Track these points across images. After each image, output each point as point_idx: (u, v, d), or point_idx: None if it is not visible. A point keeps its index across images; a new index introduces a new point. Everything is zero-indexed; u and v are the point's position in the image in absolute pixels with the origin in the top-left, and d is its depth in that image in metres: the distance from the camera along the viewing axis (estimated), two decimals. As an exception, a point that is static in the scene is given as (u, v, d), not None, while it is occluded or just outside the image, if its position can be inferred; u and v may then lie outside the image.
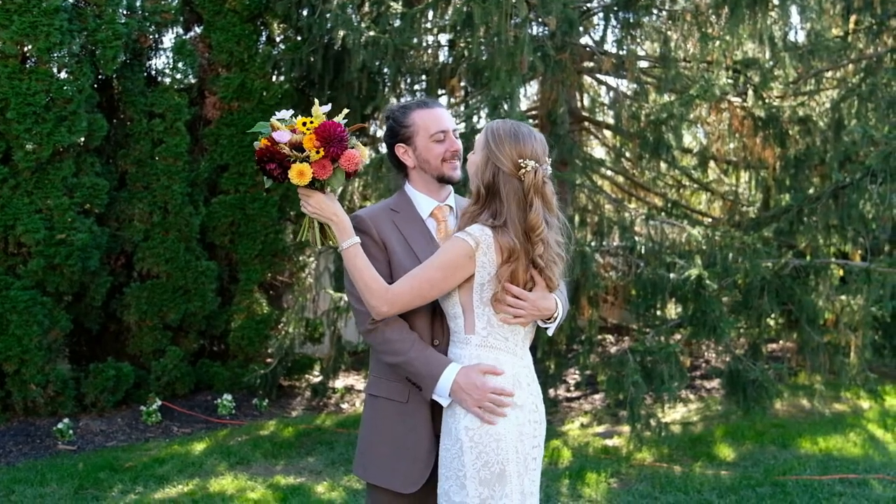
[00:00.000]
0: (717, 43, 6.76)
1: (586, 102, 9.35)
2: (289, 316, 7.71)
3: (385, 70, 7.17)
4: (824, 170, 7.22)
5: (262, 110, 7.35)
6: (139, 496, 4.80)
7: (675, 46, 7.11)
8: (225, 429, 6.44)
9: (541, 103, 7.89)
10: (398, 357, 2.34)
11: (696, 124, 8.34)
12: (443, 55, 7.72)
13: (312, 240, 2.43)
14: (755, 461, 5.48)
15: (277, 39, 8.08)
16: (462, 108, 7.62)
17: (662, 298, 6.51)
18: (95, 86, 6.71)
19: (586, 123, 8.81)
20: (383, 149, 2.70)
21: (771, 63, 7.12)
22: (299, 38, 7.59)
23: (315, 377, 7.81)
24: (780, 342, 8.90)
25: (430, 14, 7.28)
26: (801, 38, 7.93)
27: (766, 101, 7.19)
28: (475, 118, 6.90)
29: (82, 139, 6.36)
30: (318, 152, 2.25)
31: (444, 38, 7.78)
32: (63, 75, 6.18)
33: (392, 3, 7.00)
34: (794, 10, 7.22)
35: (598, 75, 8.38)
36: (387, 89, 7.45)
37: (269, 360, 7.70)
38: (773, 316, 6.87)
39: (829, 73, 8.03)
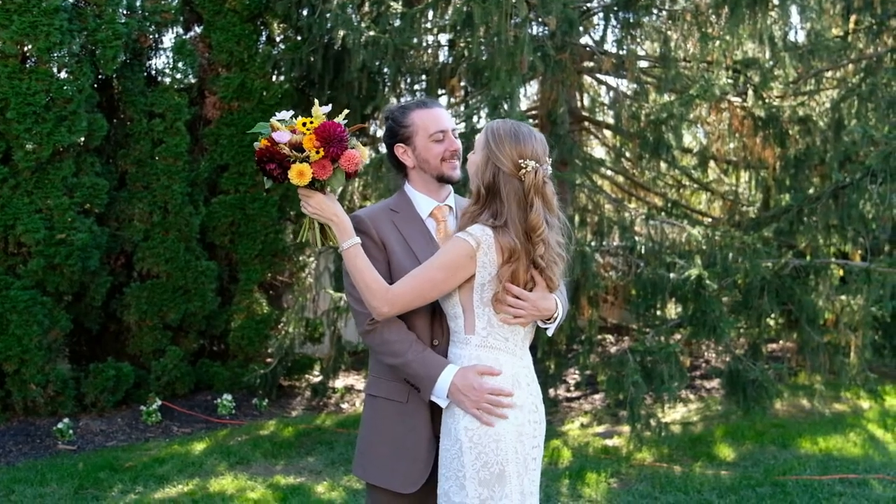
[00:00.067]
0: (717, 43, 6.76)
1: (586, 102, 9.35)
2: (289, 316, 7.71)
3: (385, 70, 7.17)
4: (824, 170, 7.22)
5: (262, 110, 7.35)
6: (139, 496, 4.80)
7: (675, 46, 7.10)
8: (225, 429, 6.44)
9: (541, 103, 7.89)
10: (396, 358, 2.34)
11: (696, 124, 8.34)
12: (443, 55, 7.72)
13: (313, 240, 2.43)
14: (755, 461, 5.48)
15: (277, 39, 8.08)
16: (462, 108, 7.62)
17: (662, 298, 6.51)
18: (95, 86, 6.71)
19: (586, 123, 8.81)
20: (383, 149, 2.69)
21: (771, 63, 7.12)
22: (299, 38, 7.59)
23: (315, 377, 7.81)
24: (780, 342, 8.90)
25: (430, 14, 7.28)
26: (801, 37, 7.93)
27: (766, 100, 7.19)
28: (475, 118, 6.90)
29: (82, 139, 6.36)
30: (318, 152, 2.25)
31: (444, 38, 7.79)
32: (63, 75, 6.18)
33: (392, 3, 7.00)
34: (794, 9, 7.22)
35: (598, 75, 8.38)
36: (387, 89, 7.45)
37: (269, 359, 7.70)
38: (773, 316, 6.87)
39: (829, 73, 8.03)
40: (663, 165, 8.59)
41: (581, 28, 7.17)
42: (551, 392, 7.08)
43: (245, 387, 7.25)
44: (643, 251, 6.67)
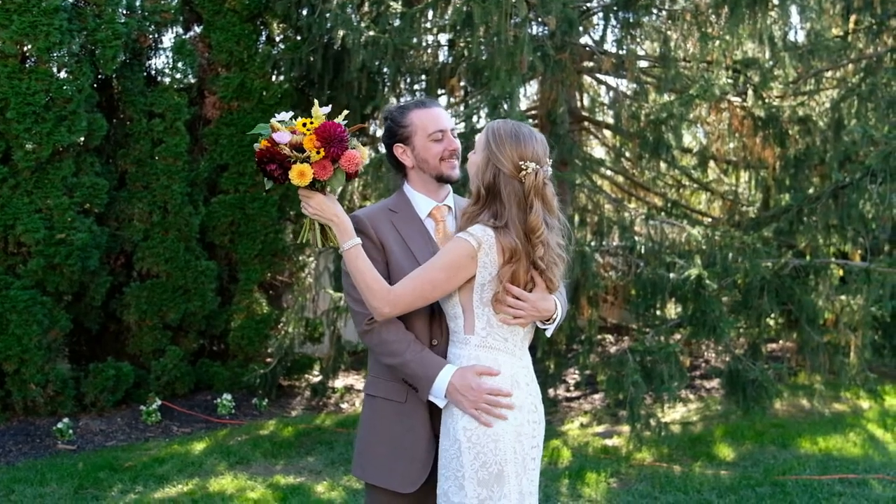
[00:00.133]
0: (717, 43, 6.76)
1: (586, 102, 9.36)
2: (288, 316, 7.71)
3: (385, 70, 7.17)
4: (824, 170, 7.22)
5: (261, 110, 7.35)
6: (139, 496, 4.80)
7: (675, 46, 7.10)
8: (225, 428, 6.44)
9: (541, 103, 7.89)
10: (394, 358, 2.34)
11: (696, 124, 8.34)
12: (442, 55, 7.72)
13: (313, 241, 2.43)
14: (755, 461, 5.48)
15: (277, 39, 8.08)
16: (462, 108, 7.63)
17: (662, 298, 6.51)
18: (95, 85, 6.71)
19: (586, 123, 8.81)
20: (383, 149, 2.70)
21: (771, 63, 7.12)
22: (299, 38, 7.59)
23: (315, 377, 7.81)
24: (780, 342, 8.90)
25: (430, 14, 7.28)
26: (800, 37, 7.93)
27: (766, 100, 7.19)
28: (475, 118, 6.90)
29: (82, 139, 6.36)
30: (318, 153, 2.25)
31: (443, 38, 7.79)
32: (63, 75, 6.18)
33: (392, 3, 7.00)
34: (794, 9, 7.22)
35: (597, 75, 8.38)
36: (386, 89, 7.45)
37: (268, 359, 7.70)
38: (772, 316, 6.87)
39: (829, 73, 8.03)
40: (663, 165, 8.59)
41: (581, 28, 7.17)
42: (551, 392, 7.08)
43: (245, 387, 7.25)
44: (643, 251, 6.67)
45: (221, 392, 7.08)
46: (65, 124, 6.08)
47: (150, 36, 7.20)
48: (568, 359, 7.13)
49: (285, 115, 2.34)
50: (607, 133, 9.19)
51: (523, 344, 2.39)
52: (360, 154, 2.34)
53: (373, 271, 2.30)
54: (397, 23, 6.91)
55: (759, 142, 7.37)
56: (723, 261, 6.19)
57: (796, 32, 8.54)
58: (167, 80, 7.24)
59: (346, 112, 2.49)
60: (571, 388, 7.77)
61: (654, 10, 7.11)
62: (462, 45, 7.09)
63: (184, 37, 7.42)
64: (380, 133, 7.94)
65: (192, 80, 7.40)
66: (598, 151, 10.05)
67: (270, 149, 2.26)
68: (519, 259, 2.26)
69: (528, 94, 9.52)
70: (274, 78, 7.76)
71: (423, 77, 7.54)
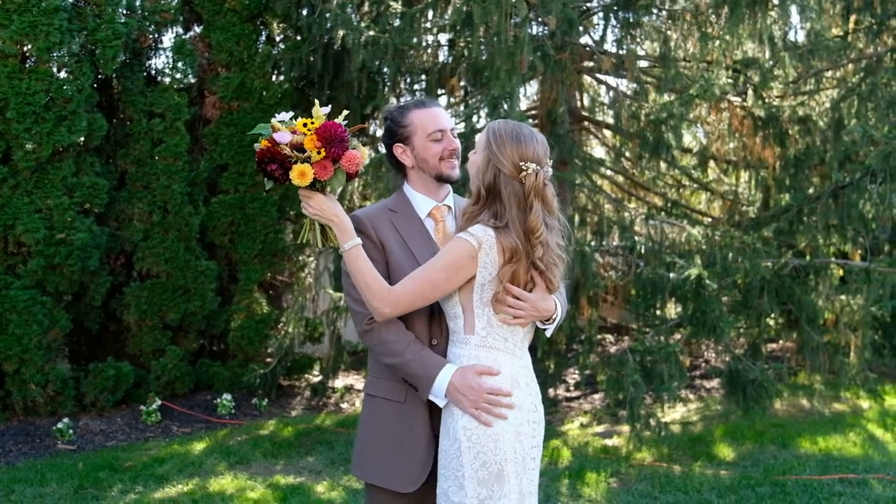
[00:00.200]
0: (717, 42, 6.76)
1: (586, 102, 9.36)
2: (288, 316, 7.71)
3: (385, 70, 7.17)
4: (824, 170, 7.22)
5: (261, 110, 7.35)
6: (139, 496, 4.80)
7: (675, 46, 7.10)
8: (225, 428, 6.44)
9: (541, 103, 7.89)
10: (394, 358, 2.34)
11: (696, 124, 8.34)
12: (442, 55, 7.72)
13: (313, 241, 2.43)
14: (755, 461, 5.48)
15: (277, 39, 8.08)
16: (462, 108, 7.63)
17: (662, 298, 6.51)
18: (95, 85, 6.71)
19: (586, 123, 8.81)
20: (383, 149, 2.70)
21: (771, 63, 7.12)
22: (299, 38, 7.59)
23: (315, 377, 7.81)
24: (780, 342, 8.91)
25: (430, 14, 7.28)
26: (800, 37, 7.93)
27: (766, 100, 7.19)
28: (475, 118, 6.90)
29: (82, 139, 6.36)
30: (319, 153, 2.25)
31: (443, 38, 7.79)
32: (63, 75, 6.18)
33: (392, 3, 7.00)
34: (794, 9, 7.22)
35: (597, 75, 8.38)
36: (386, 89, 7.45)
37: (268, 359, 7.70)
38: (772, 316, 6.87)
39: (829, 73, 8.03)
40: (663, 165, 8.59)
41: (581, 28, 7.17)
42: (551, 392, 7.08)
43: (245, 386, 7.25)
44: (643, 251, 6.67)
45: (221, 392, 7.08)
46: (65, 124, 6.08)
47: (150, 36, 7.20)
48: (568, 359, 7.13)
49: (286, 115, 2.34)
50: (607, 133, 9.19)
51: (523, 344, 2.39)
52: (361, 154, 2.34)
53: (373, 271, 2.30)
54: (397, 23, 6.91)
55: (759, 142, 7.37)
56: (723, 261, 6.19)
57: (796, 32, 8.55)
58: (167, 80, 7.24)
59: (346, 112, 2.49)
60: (571, 388, 7.77)
61: (654, 10, 7.11)
62: (462, 45, 7.09)
63: (184, 37, 7.42)
64: (380, 133, 7.96)
65: (192, 80, 7.40)
66: (598, 151, 10.05)
67: (271, 149, 2.26)
68: (519, 259, 2.26)
69: (528, 94, 9.53)
70: (274, 78, 7.76)
71: (423, 77, 7.54)
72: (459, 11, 6.34)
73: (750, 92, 7.24)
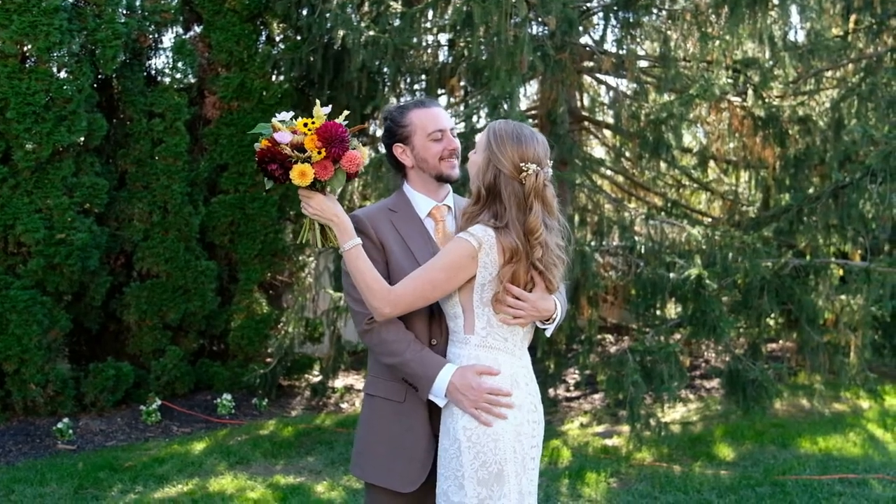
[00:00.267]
0: (717, 42, 6.76)
1: (586, 102, 9.36)
2: (288, 315, 7.71)
3: (385, 70, 7.17)
4: (824, 169, 7.22)
5: (261, 110, 7.35)
6: (139, 496, 4.80)
7: (675, 46, 7.10)
8: (224, 428, 6.44)
9: (540, 103, 7.89)
10: (394, 358, 2.34)
11: (696, 124, 8.34)
12: (442, 55, 7.72)
13: (313, 241, 2.43)
14: (755, 461, 5.48)
15: (277, 39, 8.08)
16: (462, 108, 7.63)
17: (662, 298, 6.51)
18: (95, 85, 6.71)
19: (586, 123, 8.81)
20: (383, 149, 2.70)
21: (771, 63, 7.12)
22: (299, 38, 7.58)
23: (315, 377, 7.81)
24: (780, 342, 8.91)
25: (430, 14, 7.28)
26: (800, 37, 7.93)
27: (766, 100, 7.19)
28: (475, 118, 6.90)
29: (82, 139, 6.36)
30: (319, 153, 2.25)
31: (443, 38, 7.79)
32: (63, 75, 6.18)
33: (392, 3, 7.00)
34: (794, 9, 7.22)
35: (597, 75, 8.38)
36: (386, 89, 7.45)
37: (268, 359, 7.70)
38: (772, 316, 6.87)
39: (829, 73, 8.03)
40: (663, 165, 8.59)
41: (581, 28, 7.17)
42: (551, 392, 7.08)
43: (245, 386, 7.25)
44: (643, 251, 6.67)
45: (221, 392, 7.08)
46: (65, 124, 6.08)
47: (150, 36, 7.20)
48: (568, 359, 7.13)
49: (286, 115, 2.34)
50: (607, 133, 9.19)
51: (523, 344, 2.39)
52: (361, 154, 2.34)
53: (373, 271, 2.30)
54: (397, 23, 6.91)
55: (759, 142, 7.37)
56: (723, 261, 6.19)
57: (796, 32, 8.55)
58: (167, 80, 7.24)
59: (346, 112, 2.49)
60: (571, 388, 7.77)
61: (654, 10, 7.11)
62: (462, 45, 7.09)
63: (184, 37, 7.42)
64: (380, 133, 7.97)
65: (192, 80, 7.40)
66: (598, 151, 10.05)
67: (271, 148, 2.26)
68: (519, 259, 2.27)
69: (528, 94, 9.54)
70: (274, 78, 7.76)
71: (423, 77, 7.54)
72: (459, 11, 6.34)
73: (750, 92, 7.24)
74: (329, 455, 5.66)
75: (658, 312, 6.91)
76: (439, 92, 7.72)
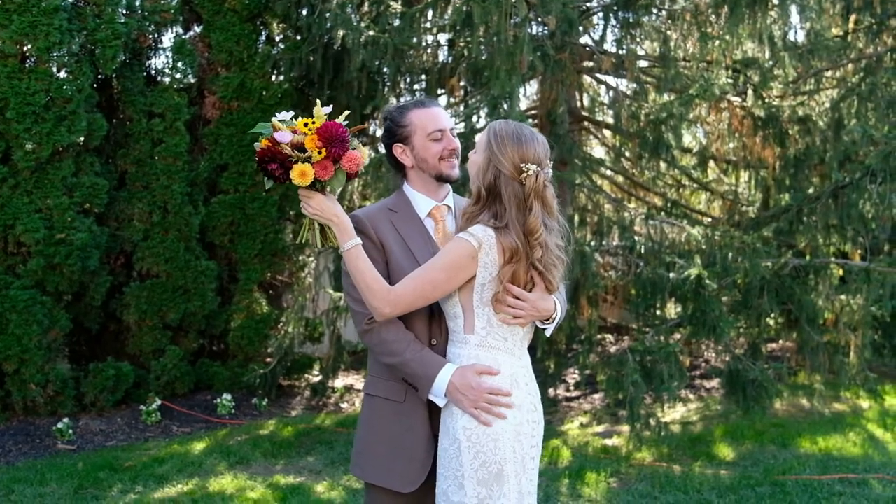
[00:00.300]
0: (717, 42, 6.76)
1: (586, 102, 9.36)
2: (288, 315, 7.71)
3: (385, 70, 7.17)
4: (824, 169, 7.22)
5: (261, 110, 7.35)
6: (139, 496, 4.80)
7: (675, 46, 7.10)
8: (224, 428, 6.44)
9: (540, 103, 7.90)
10: (394, 358, 2.34)
11: (696, 124, 8.34)
12: (442, 55, 7.72)
13: (313, 241, 2.43)
14: (755, 461, 5.48)
15: (277, 39, 8.07)
16: (462, 108, 7.63)
17: (662, 298, 6.51)
18: (95, 85, 6.71)
19: (586, 123, 8.81)
20: (383, 149, 2.70)
21: (771, 63, 7.12)
22: (299, 38, 7.58)
23: (314, 377, 7.81)
24: (780, 342, 8.91)
25: (430, 14, 7.28)
26: (800, 37, 7.93)
27: (766, 100, 7.19)
28: (475, 118, 6.91)
29: (82, 139, 6.36)
30: (319, 153, 2.25)
31: (443, 38, 7.79)
32: (62, 75, 6.18)
33: (392, 3, 7.00)
34: (793, 9, 7.22)
35: (597, 75, 8.39)
36: (386, 89, 7.45)
37: (268, 359, 7.70)
38: (772, 316, 6.87)
39: (829, 73, 8.03)
40: (663, 165, 8.60)
41: (581, 28, 7.17)
42: (551, 392, 7.08)
43: (245, 386, 7.25)
44: (643, 251, 6.67)
45: (221, 392, 7.08)
46: (65, 124, 6.08)
47: (150, 36, 7.20)
48: (568, 359, 7.13)
49: (286, 115, 2.34)
50: (607, 133, 9.19)
51: (523, 344, 2.39)
52: (361, 154, 2.34)
53: (373, 271, 2.30)
54: (397, 23, 6.91)
55: (759, 142, 7.37)
56: (723, 261, 6.19)
57: (796, 32, 8.55)
58: (167, 80, 7.24)
59: (346, 112, 2.49)
60: (571, 388, 7.77)
61: (654, 10, 7.11)
62: (462, 45, 7.10)
63: (184, 37, 7.42)
64: (380, 133, 7.97)
65: (192, 80, 7.40)
66: (598, 151, 10.05)
67: (272, 148, 2.26)
68: (519, 259, 2.27)
69: (528, 93, 9.53)
70: (274, 78, 7.76)
71: (423, 77, 7.54)
72: (459, 11, 6.34)
73: (750, 92, 7.24)
74: (329, 455, 5.66)
75: (658, 312, 6.91)
76: (439, 92, 7.72)
